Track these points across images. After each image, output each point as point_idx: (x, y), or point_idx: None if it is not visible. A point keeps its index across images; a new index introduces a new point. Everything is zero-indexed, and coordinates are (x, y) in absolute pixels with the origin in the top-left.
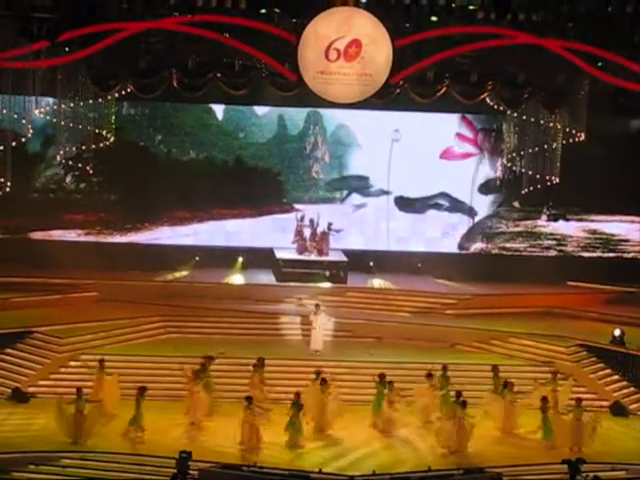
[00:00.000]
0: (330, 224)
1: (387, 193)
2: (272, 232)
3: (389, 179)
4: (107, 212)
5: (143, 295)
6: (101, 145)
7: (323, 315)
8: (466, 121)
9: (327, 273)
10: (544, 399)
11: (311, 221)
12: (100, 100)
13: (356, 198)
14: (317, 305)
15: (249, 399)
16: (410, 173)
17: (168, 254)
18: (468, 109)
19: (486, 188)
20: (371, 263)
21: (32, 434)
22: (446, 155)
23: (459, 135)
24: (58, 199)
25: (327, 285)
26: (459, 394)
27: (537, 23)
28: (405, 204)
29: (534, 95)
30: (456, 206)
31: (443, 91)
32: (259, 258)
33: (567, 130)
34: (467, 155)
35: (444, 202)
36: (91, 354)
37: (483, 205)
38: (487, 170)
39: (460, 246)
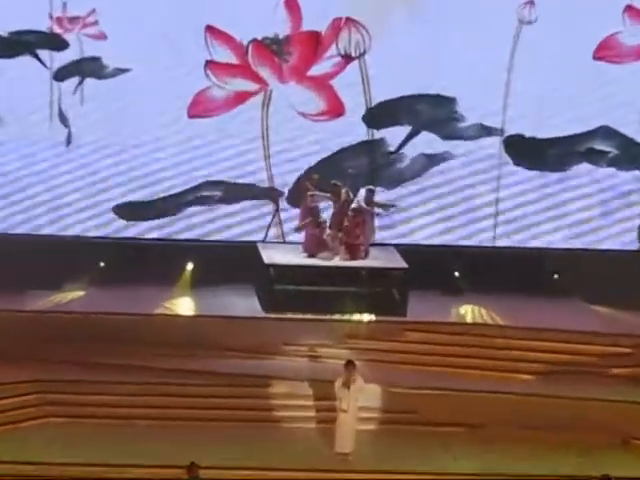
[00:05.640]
0: (371, 192)
1: (496, 132)
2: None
3: (506, 104)
4: None
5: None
6: None
7: (360, 382)
8: None
9: (366, 292)
10: None
11: (335, 188)
12: None
13: (429, 142)
14: (349, 363)
15: None
16: (539, 91)
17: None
18: None
19: None
20: (457, 273)
21: None
22: (605, 53)
23: (632, 10)
24: None
25: (366, 318)
26: None
27: None
28: (528, 152)
29: None
30: (630, 154)
31: None
32: (229, 263)
33: None
34: None
35: (606, 147)
36: None
37: None
38: None
39: None
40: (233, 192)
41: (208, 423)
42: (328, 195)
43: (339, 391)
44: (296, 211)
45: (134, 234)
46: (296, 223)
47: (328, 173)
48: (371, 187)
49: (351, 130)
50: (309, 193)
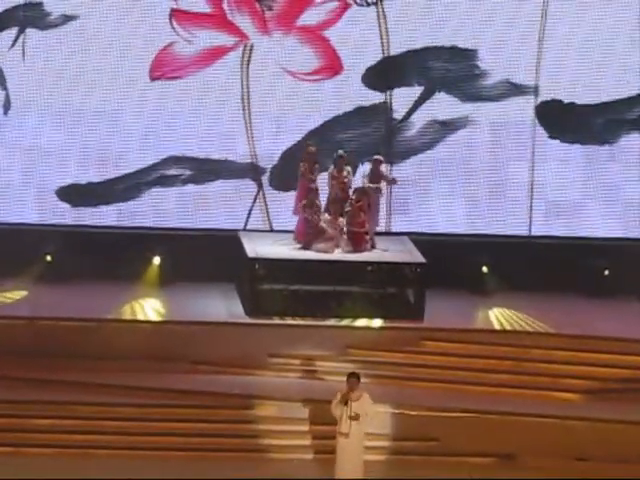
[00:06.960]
0: (379, 161)
1: (528, 90)
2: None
3: (540, 56)
4: None
5: None
6: None
7: (366, 401)
8: None
9: (373, 292)
10: None
11: (339, 159)
12: None
13: (444, 105)
14: (352, 376)
15: None
16: (581, 46)
17: None
18: None
19: None
20: (485, 268)
21: None
22: None
23: None
24: None
25: (374, 324)
26: None
27: None
28: (567, 121)
29: None
30: None
31: None
32: (203, 256)
33: None
34: None
35: None
36: None
37: None
38: None
39: None
40: (206, 169)
41: (178, 453)
42: (332, 170)
43: (337, 409)
44: (282, 193)
45: (86, 221)
46: (283, 206)
47: (321, 145)
48: (379, 157)
49: (350, 92)
50: (305, 166)
